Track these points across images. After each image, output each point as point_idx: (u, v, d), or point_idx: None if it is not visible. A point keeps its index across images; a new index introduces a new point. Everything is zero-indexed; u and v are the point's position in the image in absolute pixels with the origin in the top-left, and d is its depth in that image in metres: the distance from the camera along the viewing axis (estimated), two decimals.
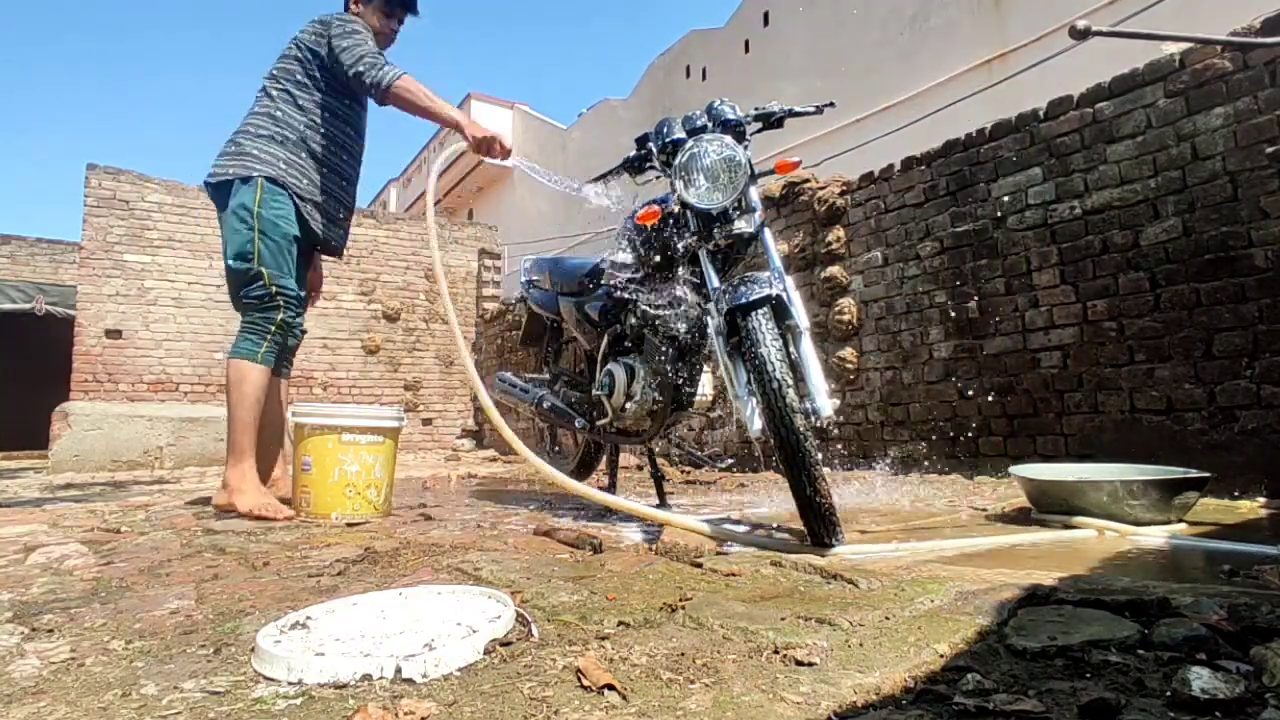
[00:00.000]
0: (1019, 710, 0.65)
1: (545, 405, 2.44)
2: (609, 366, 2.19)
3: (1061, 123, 2.84)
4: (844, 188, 3.84)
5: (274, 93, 2.44)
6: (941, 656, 0.81)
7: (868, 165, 3.87)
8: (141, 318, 6.89)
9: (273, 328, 2.34)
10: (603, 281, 2.36)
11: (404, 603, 1.08)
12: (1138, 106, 2.61)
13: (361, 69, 2.35)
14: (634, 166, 2.01)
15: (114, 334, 6.77)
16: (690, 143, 1.78)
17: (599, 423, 2.24)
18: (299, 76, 2.44)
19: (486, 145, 2.39)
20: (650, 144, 1.95)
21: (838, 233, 3.82)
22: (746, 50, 9.87)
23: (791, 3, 9.25)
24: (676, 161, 1.78)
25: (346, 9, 2.57)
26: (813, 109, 1.95)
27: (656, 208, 1.94)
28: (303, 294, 2.46)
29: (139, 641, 0.96)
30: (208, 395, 7.12)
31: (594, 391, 2.22)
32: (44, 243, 11.28)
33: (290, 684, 0.79)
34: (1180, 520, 1.79)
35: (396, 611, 1.04)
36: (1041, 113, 2.93)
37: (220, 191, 2.39)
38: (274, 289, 2.33)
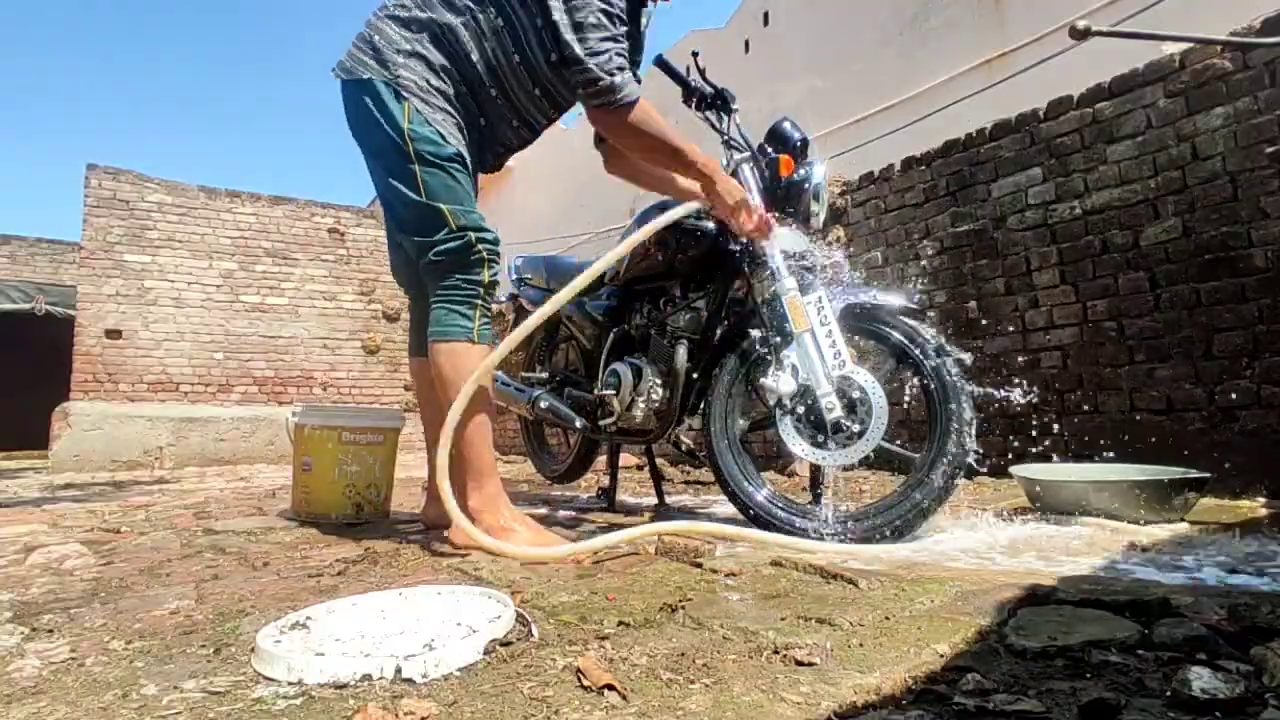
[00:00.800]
0: (1019, 710, 0.65)
1: (543, 405, 2.44)
2: (614, 366, 2.19)
3: (1061, 123, 2.84)
4: (844, 188, 3.84)
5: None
6: (941, 656, 0.81)
7: (868, 165, 3.87)
8: (141, 318, 6.89)
9: (481, 289, 1.68)
10: (606, 280, 2.35)
11: (404, 603, 1.08)
12: (1138, 106, 2.61)
13: (596, 60, 1.56)
14: (704, 105, 2.06)
15: (114, 334, 6.77)
16: (819, 170, 1.88)
17: (602, 422, 2.24)
18: None
19: (736, 212, 1.73)
20: (739, 132, 2.00)
21: (838, 233, 3.82)
22: (746, 50, 9.86)
23: (791, 3, 9.24)
24: (810, 183, 1.87)
25: None
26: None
27: (789, 157, 1.92)
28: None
29: (139, 641, 0.96)
30: (207, 395, 7.12)
31: (598, 391, 2.22)
32: (44, 243, 11.29)
33: (290, 684, 0.79)
34: (1181, 520, 1.79)
35: (396, 611, 1.04)
36: (1041, 113, 2.92)
37: (354, 91, 1.70)
38: (472, 236, 1.65)
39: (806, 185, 1.86)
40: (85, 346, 6.67)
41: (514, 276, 2.74)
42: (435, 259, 1.66)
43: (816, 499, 1.79)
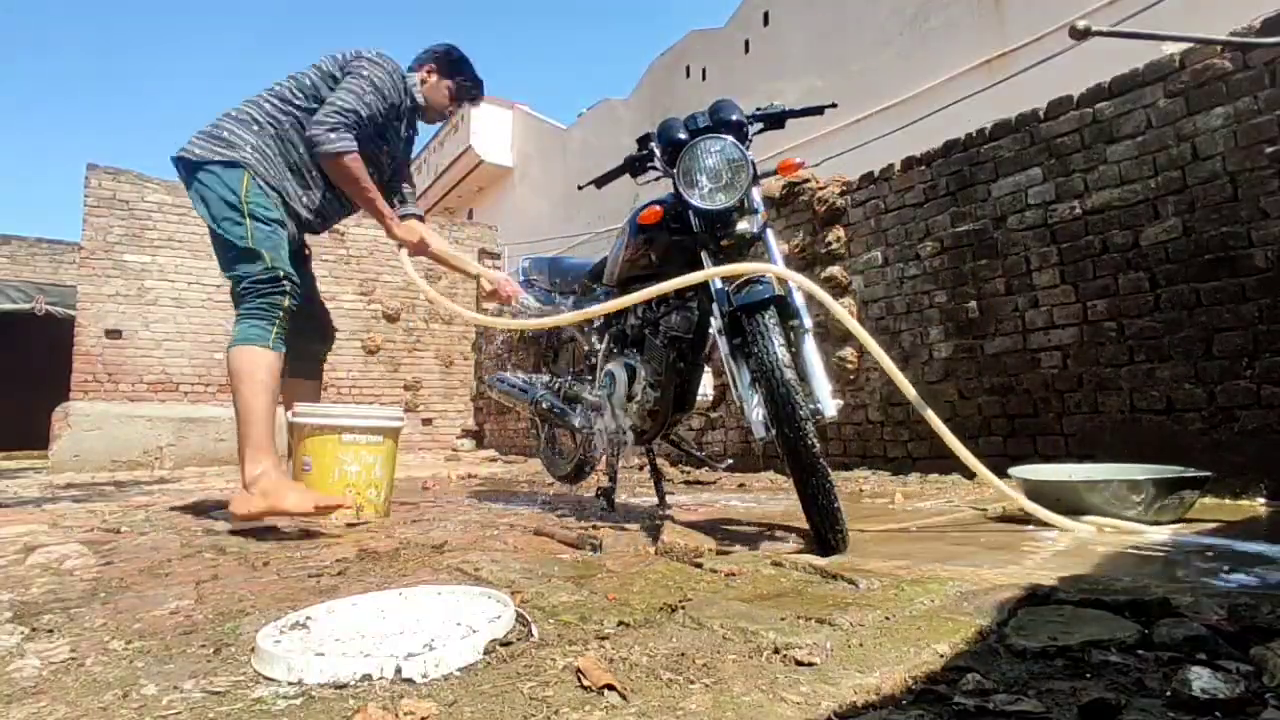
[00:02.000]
0: (1019, 710, 0.65)
1: (544, 405, 2.44)
2: (609, 366, 2.19)
3: (1061, 123, 2.84)
4: (844, 188, 3.84)
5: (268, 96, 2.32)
6: (941, 656, 0.81)
7: (868, 165, 3.87)
8: (141, 318, 6.89)
9: (281, 313, 2.17)
10: (604, 281, 2.35)
11: (404, 603, 1.08)
12: (1138, 106, 2.61)
13: (320, 117, 2.19)
14: (635, 167, 2.00)
15: (114, 334, 6.77)
16: (693, 142, 1.76)
17: (599, 422, 2.24)
18: (301, 94, 2.30)
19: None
20: (652, 144, 1.94)
21: (838, 233, 3.82)
22: (746, 50, 9.87)
23: (791, 3, 9.25)
24: (680, 162, 1.76)
25: (414, 68, 2.44)
26: (814, 109, 1.94)
27: (658, 208, 1.92)
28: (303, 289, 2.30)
29: (139, 641, 0.96)
30: (207, 395, 7.12)
31: (595, 391, 2.22)
32: (44, 243, 11.28)
33: (290, 684, 0.79)
34: (1180, 520, 1.79)
35: (396, 611, 1.04)
36: (1041, 113, 2.92)
37: (193, 171, 2.23)
38: (280, 272, 2.16)
39: (694, 165, 1.75)
40: (85, 346, 6.66)
41: (521, 278, 2.74)
42: (248, 286, 2.16)
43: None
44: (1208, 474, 1.84)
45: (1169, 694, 0.67)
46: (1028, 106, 3.02)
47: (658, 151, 1.92)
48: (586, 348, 2.46)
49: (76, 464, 6.23)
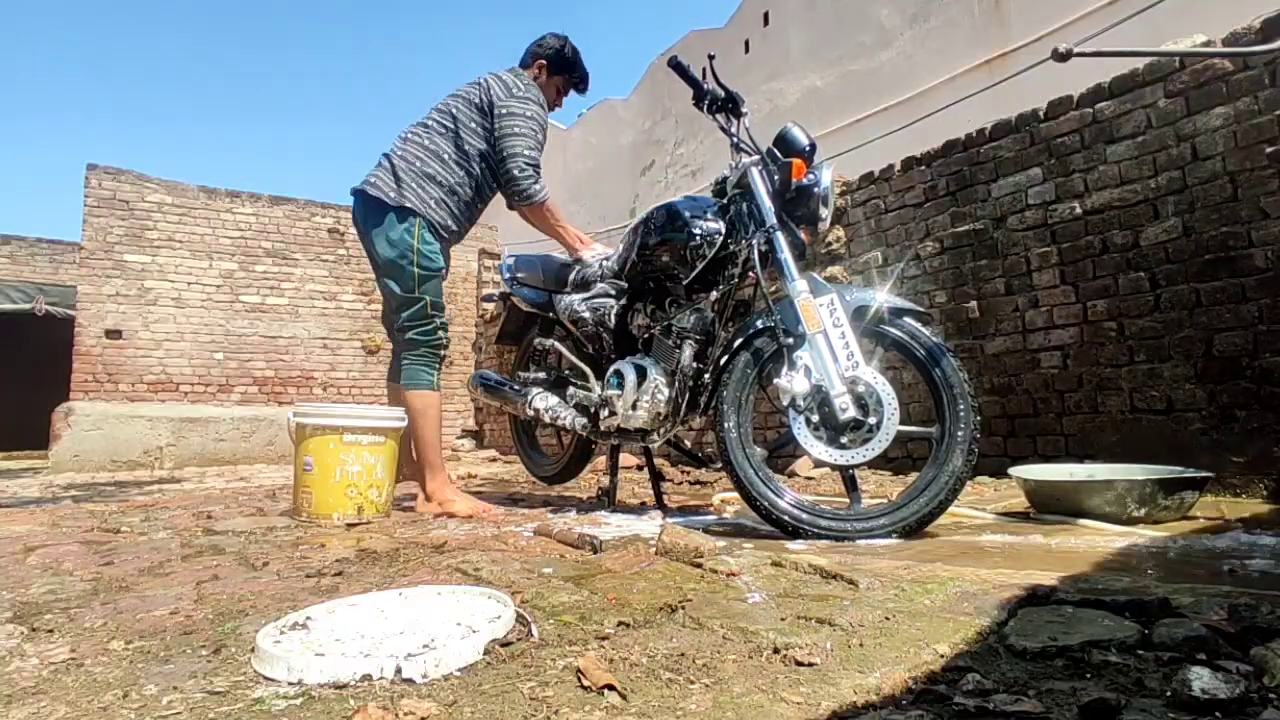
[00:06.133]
0: (1019, 710, 0.65)
1: (540, 404, 2.43)
2: (617, 366, 2.18)
3: (1061, 123, 2.84)
4: (844, 188, 3.84)
5: (439, 128, 2.47)
6: (941, 656, 0.81)
7: (868, 165, 3.87)
8: (141, 318, 6.90)
9: (442, 353, 2.48)
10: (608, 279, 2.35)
11: (404, 603, 1.08)
12: (1138, 106, 2.61)
13: (518, 173, 2.43)
14: (736, 146, 2.06)
15: (114, 334, 6.78)
16: (827, 172, 1.94)
17: (604, 423, 2.24)
18: (470, 123, 2.47)
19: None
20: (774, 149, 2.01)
21: (838, 233, 3.82)
22: (746, 50, 9.86)
23: (791, 3, 9.25)
24: (825, 186, 1.92)
25: (527, 64, 2.60)
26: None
27: (801, 161, 1.94)
28: None
29: (139, 641, 0.96)
30: (207, 395, 7.12)
31: (602, 391, 2.22)
32: (44, 243, 11.29)
33: (290, 684, 0.79)
34: (1180, 520, 1.79)
35: (396, 611, 1.04)
36: (1041, 113, 2.92)
37: (373, 207, 2.41)
38: (438, 321, 2.45)
39: (816, 189, 1.90)
40: (85, 346, 6.67)
41: (506, 275, 2.74)
42: (416, 334, 2.42)
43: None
44: (1208, 474, 1.85)
45: (1169, 694, 0.67)
46: (1028, 106, 3.02)
47: (765, 149, 1.99)
48: (589, 346, 2.46)
49: (76, 464, 6.23)
